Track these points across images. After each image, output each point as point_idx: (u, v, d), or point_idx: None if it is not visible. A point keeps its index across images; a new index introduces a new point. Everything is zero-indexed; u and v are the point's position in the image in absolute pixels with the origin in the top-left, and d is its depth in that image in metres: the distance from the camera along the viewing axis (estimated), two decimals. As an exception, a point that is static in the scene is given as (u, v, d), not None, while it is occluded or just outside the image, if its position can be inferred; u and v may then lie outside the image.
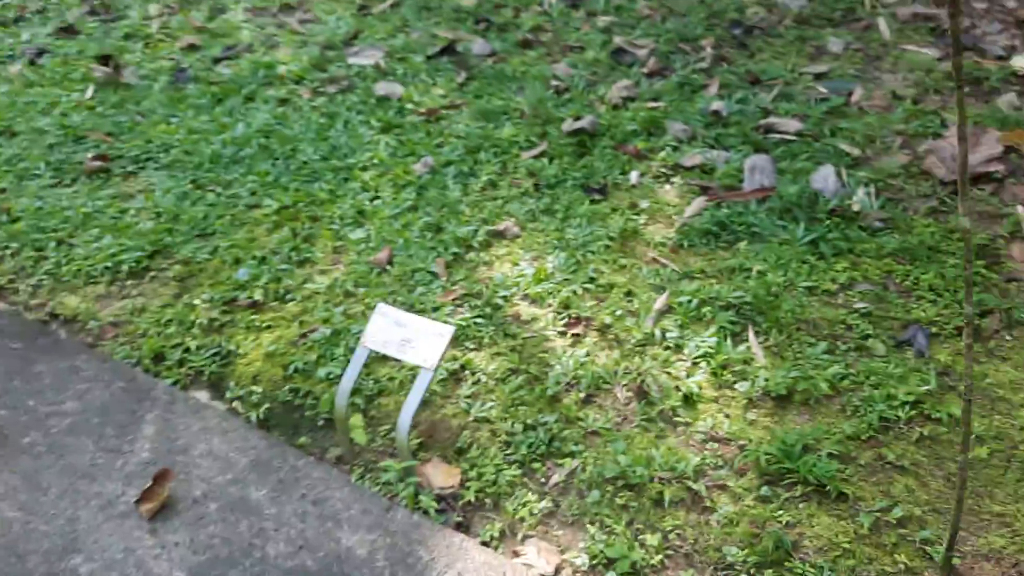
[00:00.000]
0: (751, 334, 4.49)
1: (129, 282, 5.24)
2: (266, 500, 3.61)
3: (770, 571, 3.38)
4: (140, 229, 5.57)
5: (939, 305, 4.60)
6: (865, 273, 4.86)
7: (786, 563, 3.41)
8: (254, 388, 4.43)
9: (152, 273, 5.29)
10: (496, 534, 3.64)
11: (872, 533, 3.50)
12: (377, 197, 5.78)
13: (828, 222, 5.17)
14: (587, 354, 4.40)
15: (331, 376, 4.42)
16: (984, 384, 4.16)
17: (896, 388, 4.09)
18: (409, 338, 3.84)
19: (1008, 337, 4.43)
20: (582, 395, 4.22)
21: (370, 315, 4.63)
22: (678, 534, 3.57)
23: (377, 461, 4.00)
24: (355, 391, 4.33)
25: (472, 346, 4.55)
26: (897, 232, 5.14)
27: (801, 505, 3.63)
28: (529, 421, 4.09)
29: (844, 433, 3.91)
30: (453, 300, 4.84)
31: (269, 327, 4.80)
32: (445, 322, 4.63)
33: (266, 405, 4.34)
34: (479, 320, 4.67)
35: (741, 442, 3.91)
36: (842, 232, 5.11)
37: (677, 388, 4.18)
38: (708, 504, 3.66)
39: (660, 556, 3.47)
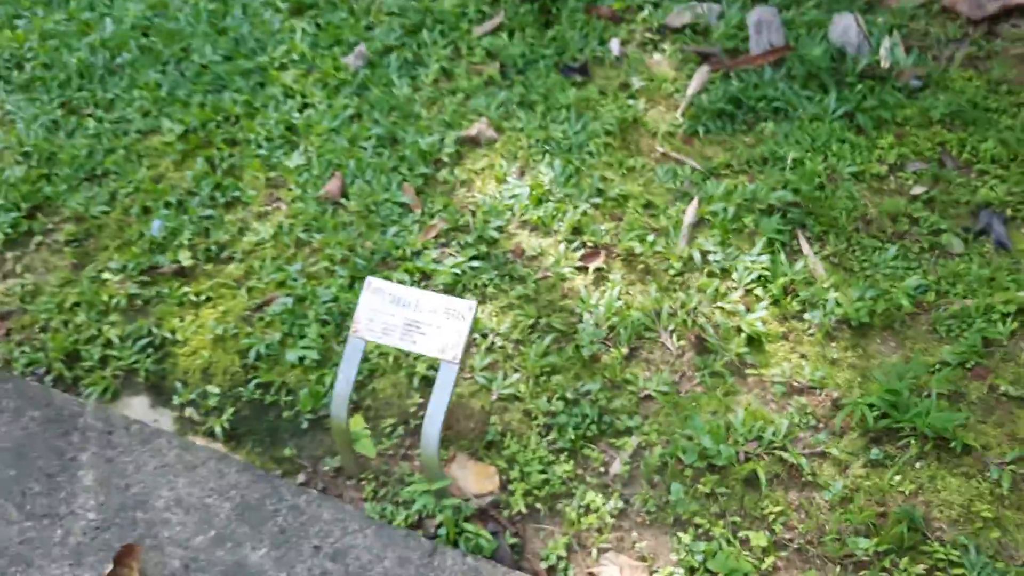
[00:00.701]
0: (804, 243, 3.75)
1: (9, 255, 4.08)
2: (270, 562, 2.79)
3: (906, 560, 2.80)
4: (7, 178, 4.34)
5: (1008, 181, 3.93)
6: (915, 148, 4.13)
7: (922, 547, 2.83)
8: (209, 388, 3.49)
9: (37, 238, 4.14)
10: (562, 552, 2.93)
11: (1013, 492, 2.93)
12: (307, 105, 4.65)
13: (860, 87, 4.37)
14: (619, 295, 3.60)
15: (306, 361, 3.51)
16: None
17: (990, 296, 3.47)
18: (416, 320, 2.95)
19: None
20: (624, 350, 3.45)
21: (339, 274, 3.68)
22: (784, 524, 2.94)
23: (390, 471, 3.19)
24: (342, 380, 3.46)
25: (474, 298, 3.68)
26: (939, 91, 4.39)
27: (919, 465, 3.03)
28: (569, 394, 3.32)
29: (947, 364, 3.28)
30: (436, 238, 3.91)
31: (209, 300, 3.80)
32: (457, 292, 3.72)
33: (230, 410, 3.43)
34: (475, 263, 3.78)
35: (830, 391, 3.25)
36: (878, 98, 4.33)
37: (738, 329, 3.45)
38: (811, 479, 3.03)
39: (771, 559, 2.84)
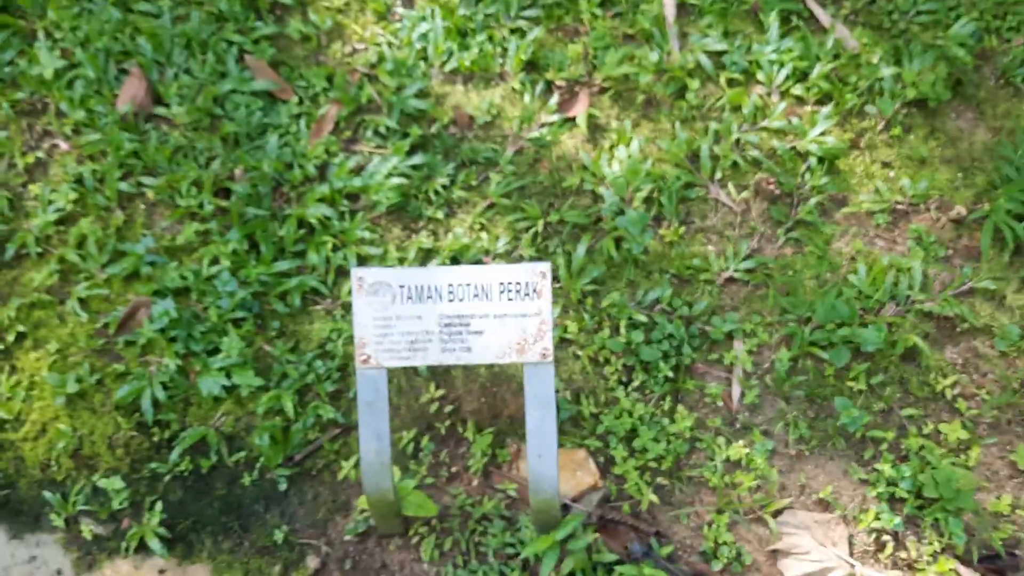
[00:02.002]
0: (817, 9, 2.85)
1: None
2: None
3: (1114, 394, 2.29)
4: None
5: None
6: None
7: (1124, 372, 2.33)
8: (100, 481, 2.21)
9: None
10: (726, 536, 2.17)
11: None
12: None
13: None
14: (632, 151, 2.58)
15: (239, 389, 2.28)
16: None
17: (1051, 22, 2.80)
18: (459, 315, 1.85)
19: None
20: (674, 225, 2.51)
21: (221, 234, 2.37)
22: (963, 395, 2.31)
23: (447, 510, 2.18)
24: (310, 376, 2.29)
25: (443, 214, 2.52)
26: None
27: (1073, 268, 2.46)
28: (634, 313, 2.38)
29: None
30: (336, 133, 2.61)
31: (22, 337, 2.36)
32: (411, 210, 2.49)
33: (155, 505, 2.19)
34: (416, 158, 2.56)
35: (939, 201, 2.54)
36: None
37: (800, 153, 2.60)
38: (968, 325, 2.38)
39: (975, 451, 2.23)
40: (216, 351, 2.33)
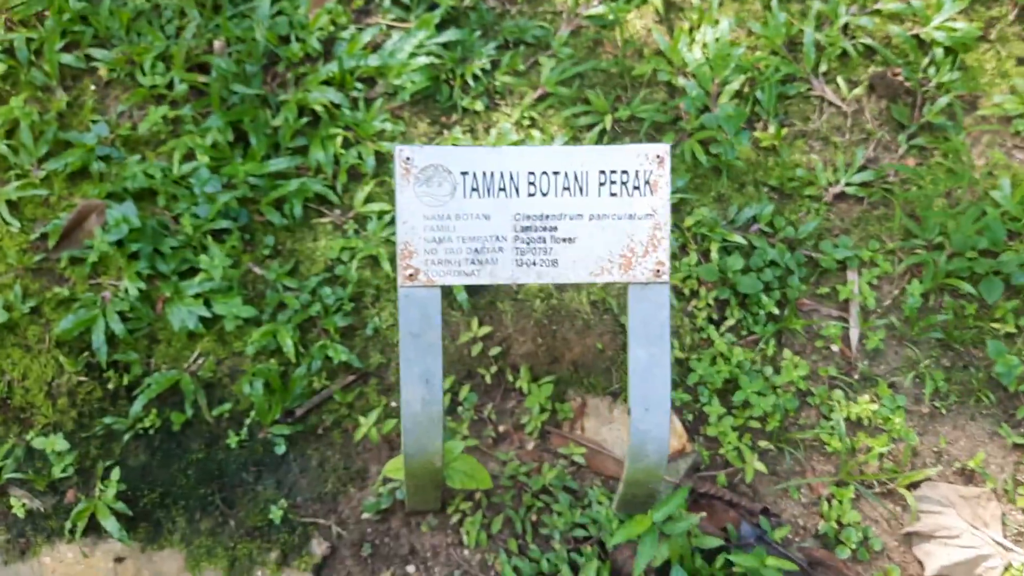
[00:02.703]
0: None
1: None
2: None
3: None
4: None
5: None
6: None
7: None
8: (37, 440, 1.68)
9: None
10: (851, 515, 1.71)
11: None
12: None
13: None
14: (719, 34, 2.07)
15: (222, 322, 1.75)
16: None
17: None
18: (544, 214, 1.34)
19: None
20: (772, 128, 2.01)
21: (195, 121, 1.83)
22: None
23: (499, 479, 1.69)
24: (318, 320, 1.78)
25: (482, 105, 1.99)
26: None
27: None
28: (728, 233, 1.89)
29: None
30: (344, 6, 2.05)
31: (-69, 253, 1.80)
32: (442, 99, 1.96)
33: (112, 471, 1.66)
34: (447, 34, 2.02)
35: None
36: None
37: (922, 42, 2.11)
38: None
39: None
40: (192, 272, 1.79)
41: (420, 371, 1.37)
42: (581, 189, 1.35)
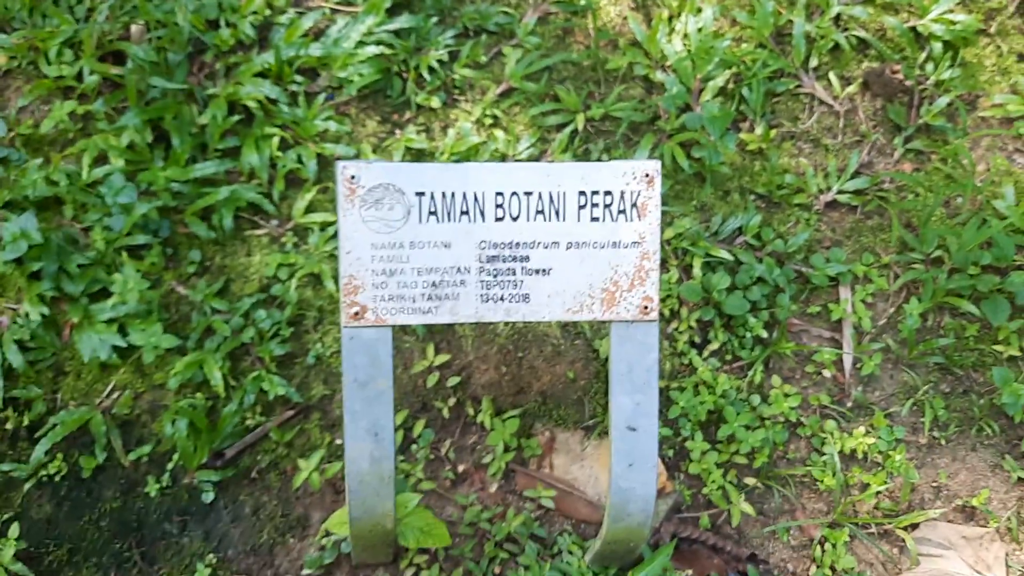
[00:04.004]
0: None
1: None
2: None
3: None
4: None
5: None
6: None
7: None
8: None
9: None
10: (847, 560, 1.58)
11: None
12: None
13: None
14: (702, 24, 1.90)
15: (141, 352, 1.56)
16: None
17: None
18: (512, 242, 1.17)
19: None
20: (759, 129, 1.86)
21: (112, 118, 1.62)
22: None
23: (457, 528, 1.53)
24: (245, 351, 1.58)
25: (439, 101, 1.80)
26: None
27: None
28: (710, 246, 1.74)
29: None
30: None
31: None
32: (393, 93, 1.76)
33: (12, 524, 1.46)
34: (398, 20, 1.83)
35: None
36: None
37: (920, 35, 1.97)
38: None
39: None
40: (104, 294, 1.58)
41: (368, 424, 1.19)
42: (557, 213, 1.18)
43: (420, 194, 1.16)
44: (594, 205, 1.18)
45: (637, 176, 1.18)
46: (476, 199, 1.17)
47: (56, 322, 1.57)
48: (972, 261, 1.76)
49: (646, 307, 1.20)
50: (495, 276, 1.18)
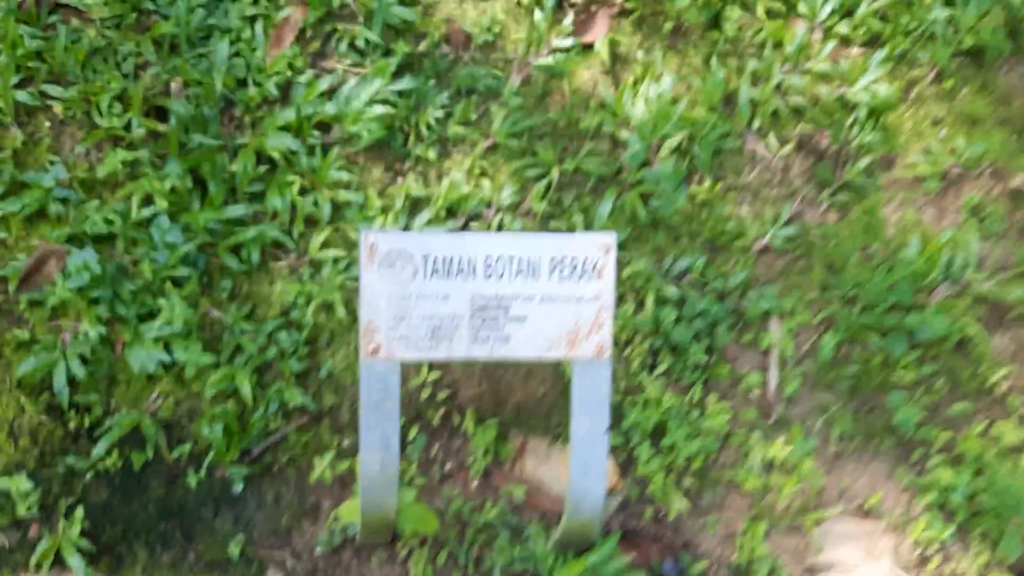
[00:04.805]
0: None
1: None
2: None
3: None
4: None
5: None
6: None
7: None
8: (13, 485, 1.80)
9: None
10: (761, 548, 1.95)
11: None
12: None
13: None
14: (659, 92, 2.25)
15: (181, 365, 1.88)
16: None
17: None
18: (499, 296, 1.52)
19: None
20: (708, 182, 2.21)
21: (156, 166, 1.95)
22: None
23: (442, 516, 1.88)
24: (269, 362, 1.92)
25: (435, 154, 2.13)
26: None
27: None
28: (661, 285, 2.10)
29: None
30: (301, 42, 2.17)
31: None
32: (395, 145, 2.08)
33: (75, 508, 1.80)
34: (402, 82, 2.16)
35: (995, 168, 2.34)
36: None
37: (846, 104, 2.33)
38: (1030, 316, 2.21)
39: (1035, 454, 2.08)
40: (151, 316, 1.91)
41: (379, 437, 1.53)
42: (534, 273, 1.52)
43: (425, 257, 1.50)
44: (562, 268, 1.52)
45: (597, 246, 1.53)
46: (470, 261, 1.51)
47: (111, 340, 1.90)
48: (880, 301, 2.13)
49: (600, 350, 1.54)
50: (483, 322, 1.52)
